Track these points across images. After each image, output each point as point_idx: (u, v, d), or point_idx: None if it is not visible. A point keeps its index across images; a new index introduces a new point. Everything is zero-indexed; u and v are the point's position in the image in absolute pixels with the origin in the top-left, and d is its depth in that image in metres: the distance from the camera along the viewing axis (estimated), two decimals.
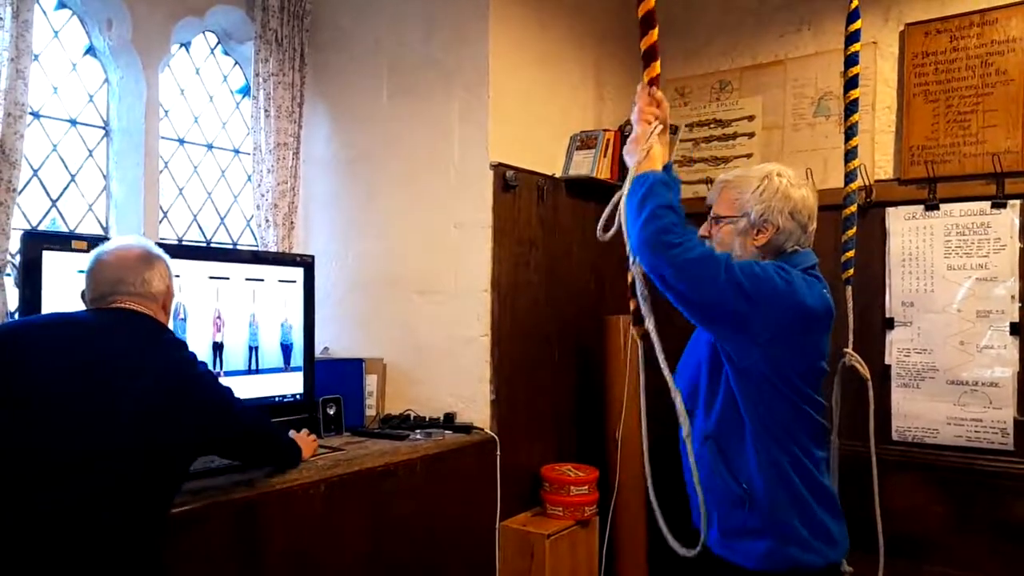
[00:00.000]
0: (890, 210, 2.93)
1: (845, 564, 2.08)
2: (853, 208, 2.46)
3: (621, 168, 3.23)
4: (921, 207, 2.88)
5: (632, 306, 1.86)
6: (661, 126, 1.72)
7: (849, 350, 2.49)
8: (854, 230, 2.47)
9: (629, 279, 1.77)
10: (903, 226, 2.91)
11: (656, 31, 1.82)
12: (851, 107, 2.37)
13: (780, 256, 1.65)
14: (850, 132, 2.39)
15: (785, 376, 1.57)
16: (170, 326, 2.15)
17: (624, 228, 1.65)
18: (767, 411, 1.58)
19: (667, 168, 1.82)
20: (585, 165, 3.06)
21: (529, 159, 2.90)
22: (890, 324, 2.92)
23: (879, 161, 2.97)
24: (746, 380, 1.58)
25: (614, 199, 1.73)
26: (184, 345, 1.68)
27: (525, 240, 2.90)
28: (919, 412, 2.86)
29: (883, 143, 2.97)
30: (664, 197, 1.59)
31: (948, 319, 2.82)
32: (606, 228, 1.75)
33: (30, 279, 1.89)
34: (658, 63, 1.78)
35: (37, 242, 1.92)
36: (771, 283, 1.53)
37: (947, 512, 2.80)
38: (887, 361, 2.92)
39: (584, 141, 3.12)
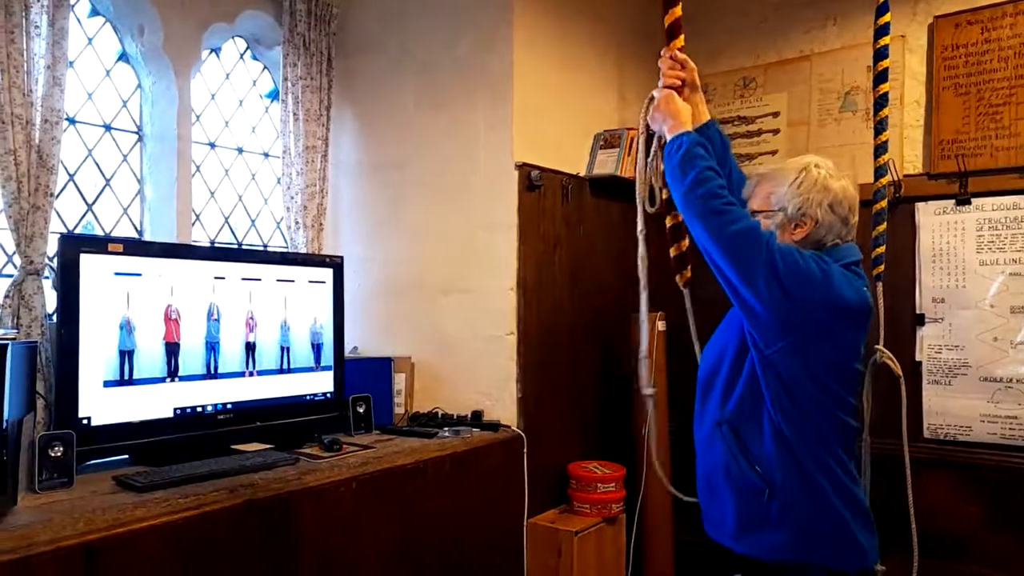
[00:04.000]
0: (920, 205, 2.89)
1: (878, 564, 2.06)
2: (883, 203, 2.44)
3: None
4: (952, 202, 2.83)
5: (673, 253, 1.87)
6: (687, 89, 1.73)
7: (880, 347, 2.46)
8: (884, 226, 2.45)
9: (668, 224, 1.78)
10: (933, 221, 2.87)
11: (679, 8, 1.83)
12: (881, 101, 2.35)
13: (821, 251, 1.61)
14: (880, 126, 2.37)
15: (813, 373, 1.54)
16: (203, 327, 2.21)
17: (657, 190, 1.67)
18: (793, 407, 1.55)
19: (709, 124, 1.82)
20: (609, 164, 3.06)
21: (553, 159, 2.91)
22: (921, 320, 2.88)
23: (908, 156, 2.94)
24: (772, 372, 1.55)
25: (638, 168, 1.75)
26: None
27: (550, 239, 2.91)
28: (951, 409, 2.82)
29: (912, 137, 2.93)
30: (703, 159, 1.59)
31: (981, 315, 2.78)
32: (651, 202, 1.77)
33: (67, 281, 1.94)
34: (681, 37, 1.78)
35: (74, 245, 1.97)
36: (808, 272, 1.50)
37: (980, 511, 2.75)
38: (918, 358, 2.88)
39: (608, 140, 3.12)
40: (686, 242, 1.92)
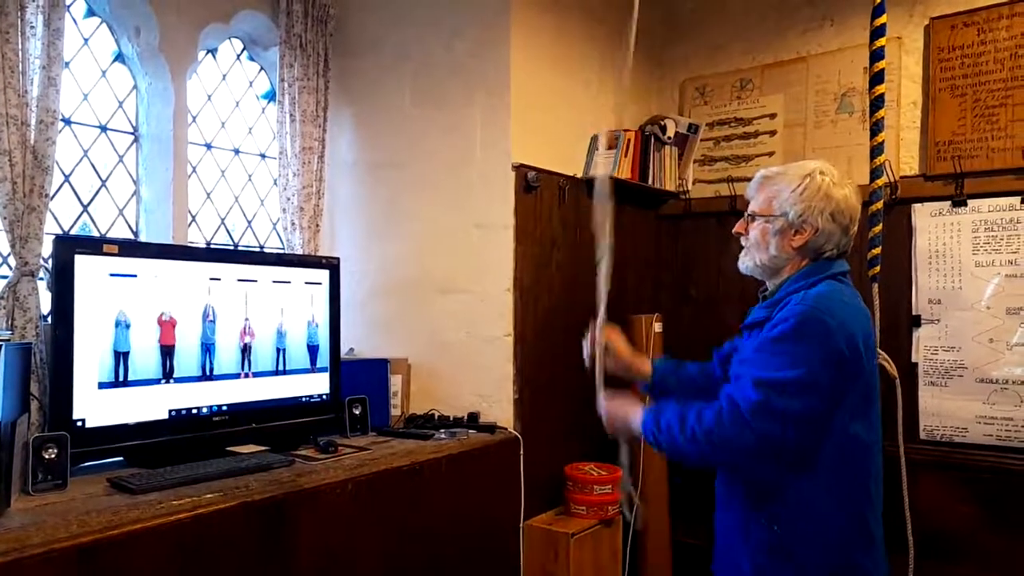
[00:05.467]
0: (916, 206, 2.90)
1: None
2: (879, 205, 2.44)
3: (641, 173, 3.22)
4: (948, 203, 2.84)
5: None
6: (611, 364, 1.85)
7: (877, 348, 2.46)
8: (880, 227, 2.45)
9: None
10: (930, 223, 2.88)
11: None
12: (877, 103, 2.35)
13: (817, 259, 1.59)
14: (876, 128, 2.37)
15: (852, 407, 1.49)
16: (199, 328, 2.20)
17: None
18: (817, 462, 1.48)
19: (653, 371, 1.88)
20: (606, 165, 3.06)
21: (550, 160, 2.91)
22: (917, 322, 2.89)
23: (904, 157, 2.94)
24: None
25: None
26: None
27: (547, 240, 2.91)
28: (948, 411, 2.83)
29: (908, 139, 2.94)
30: (671, 416, 1.55)
31: (977, 316, 2.78)
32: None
33: (62, 282, 1.93)
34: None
35: (69, 246, 1.97)
36: (817, 375, 1.43)
37: (976, 512, 2.76)
38: (914, 359, 2.89)
39: (605, 141, 3.12)
40: None
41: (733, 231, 1.70)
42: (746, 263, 1.67)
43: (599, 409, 1.76)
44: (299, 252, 2.88)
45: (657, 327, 3.03)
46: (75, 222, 2.48)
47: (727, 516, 1.64)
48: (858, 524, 1.51)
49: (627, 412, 1.68)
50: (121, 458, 2.09)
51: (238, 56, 3.03)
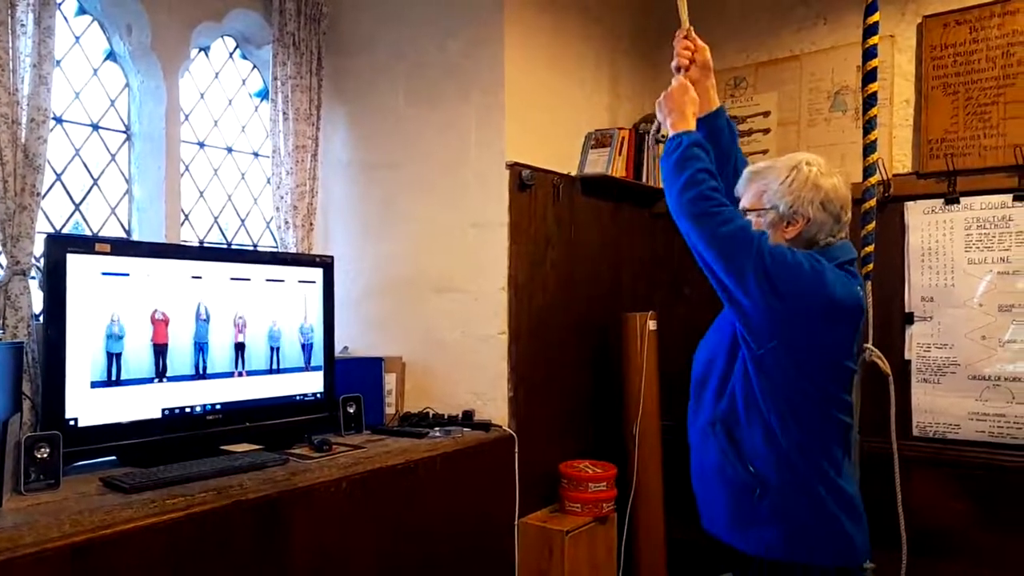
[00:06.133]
0: (909, 204, 2.91)
1: (868, 562, 2.06)
2: (872, 203, 2.45)
3: (635, 171, 3.23)
4: (941, 201, 2.85)
5: None
6: (698, 70, 1.76)
7: (869, 345, 2.47)
8: (873, 225, 2.46)
9: None
10: (922, 220, 2.89)
11: None
12: (870, 101, 2.36)
13: (813, 249, 1.61)
14: (869, 126, 2.38)
15: (805, 371, 1.54)
16: (192, 327, 2.20)
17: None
18: (785, 406, 1.55)
19: (719, 112, 1.84)
20: (600, 163, 3.07)
21: (545, 158, 2.90)
22: (910, 319, 2.90)
23: (897, 155, 2.95)
24: (764, 372, 1.55)
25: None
26: None
27: (541, 238, 2.91)
28: (940, 408, 2.84)
29: (901, 137, 2.95)
30: (699, 160, 1.60)
31: (969, 313, 2.79)
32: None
33: (54, 281, 1.92)
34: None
35: (61, 245, 1.96)
36: (798, 269, 1.51)
37: (969, 509, 2.77)
38: (907, 356, 2.90)
39: (599, 139, 3.12)
40: None
41: None
42: None
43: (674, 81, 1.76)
44: (293, 251, 2.87)
45: (652, 325, 3.03)
46: (67, 221, 2.47)
47: (704, 460, 1.69)
48: (827, 480, 1.57)
49: (684, 108, 1.72)
50: (114, 457, 2.09)
51: (231, 54, 3.03)
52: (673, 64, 1.79)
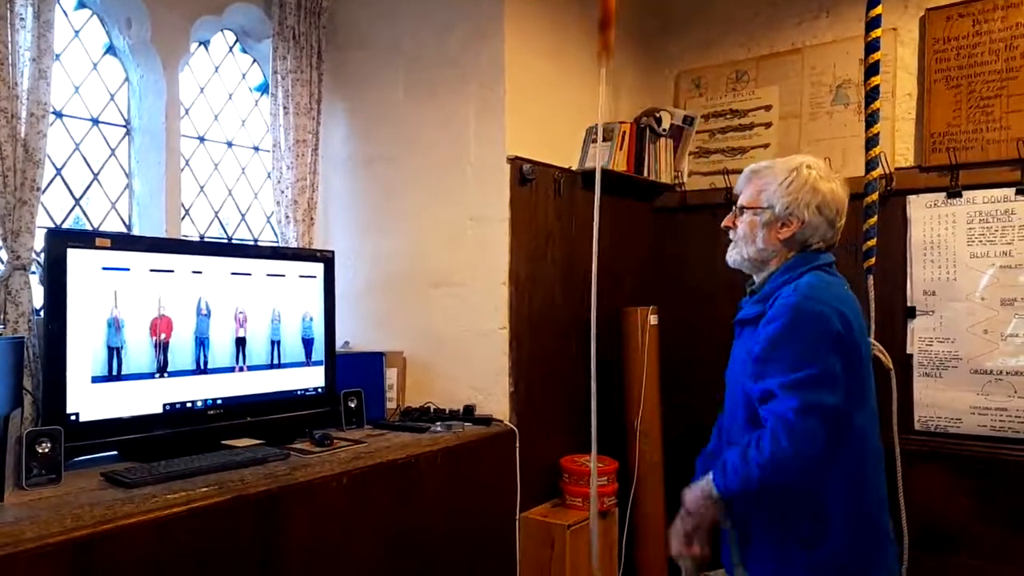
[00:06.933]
0: (911, 198, 2.90)
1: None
2: (874, 196, 2.44)
3: (636, 166, 3.22)
4: (943, 194, 2.84)
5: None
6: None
7: (872, 339, 2.46)
8: (875, 219, 2.46)
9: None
10: (924, 214, 2.88)
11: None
12: (872, 94, 2.35)
13: (804, 251, 1.61)
14: (871, 119, 2.37)
15: (862, 408, 1.52)
16: (193, 322, 2.20)
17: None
18: (849, 455, 1.51)
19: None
20: (601, 157, 3.05)
21: (545, 152, 2.90)
22: (912, 313, 2.89)
23: (899, 149, 2.94)
24: None
25: None
26: None
27: (542, 233, 2.90)
28: (942, 402, 2.84)
29: (903, 130, 2.94)
30: (734, 476, 1.51)
31: (971, 307, 2.79)
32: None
33: (55, 276, 1.92)
34: None
35: (61, 240, 1.95)
36: (819, 345, 1.46)
37: (971, 502, 2.77)
38: (909, 350, 2.89)
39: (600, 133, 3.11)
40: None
41: (722, 225, 1.72)
42: (734, 256, 1.70)
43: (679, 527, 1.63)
44: (293, 245, 2.87)
45: (653, 319, 3.03)
46: (67, 216, 2.47)
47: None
48: (865, 521, 1.53)
49: (697, 492, 1.59)
50: (115, 452, 2.09)
51: (231, 48, 3.02)
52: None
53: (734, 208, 1.69)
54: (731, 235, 1.70)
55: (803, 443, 1.43)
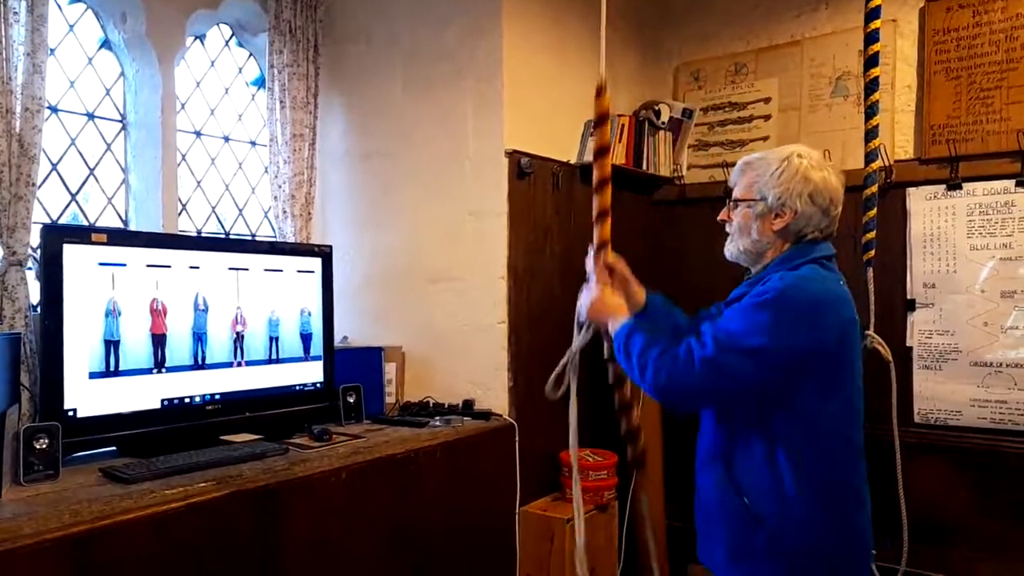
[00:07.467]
0: (911, 190, 2.89)
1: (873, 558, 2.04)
2: (874, 189, 2.43)
3: (635, 159, 3.20)
4: (943, 187, 2.83)
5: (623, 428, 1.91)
6: (618, 284, 1.76)
7: (871, 332, 2.46)
8: (874, 211, 2.45)
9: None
10: (924, 206, 2.87)
11: (608, 163, 1.82)
12: (871, 86, 2.34)
13: (798, 243, 1.60)
14: (871, 111, 2.36)
15: (836, 391, 1.52)
16: (191, 317, 2.19)
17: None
18: (798, 436, 1.50)
19: (648, 302, 1.83)
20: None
21: (544, 146, 2.88)
22: (911, 306, 2.89)
23: (899, 141, 2.93)
24: (776, 406, 1.51)
25: (564, 360, 1.83)
26: None
27: (540, 227, 2.89)
28: (942, 394, 2.83)
29: (903, 122, 2.93)
30: (639, 341, 1.58)
31: (971, 300, 2.78)
32: (556, 386, 1.80)
33: (51, 272, 1.91)
34: (608, 224, 1.79)
35: (57, 235, 1.95)
36: (782, 317, 1.45)
37: (970, 495, 2.77)
38: (908, 343, 2.89)
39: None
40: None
41: (718, 219, 1.72)
42: (730, 250, 1.69)
43: (585, 291, 1.77)
44: (291, 240, 2.86)
45: None
46: (63, 211, 2.46)
47: (704, 489, 1.68)
48: (832, 510, 1.52)
49: (613, 310, 1.71)
50: (114, 448, 2.08)
51: (226, 42, 3.00)
52: (589, 281, 1.78)
53: (728, 201, 1.69)
54: (727, 228, 1.70)
55: (690, 383, 1.50)
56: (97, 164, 2.54)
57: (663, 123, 3.31)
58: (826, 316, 1.50)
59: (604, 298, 1.74)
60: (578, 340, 1.81)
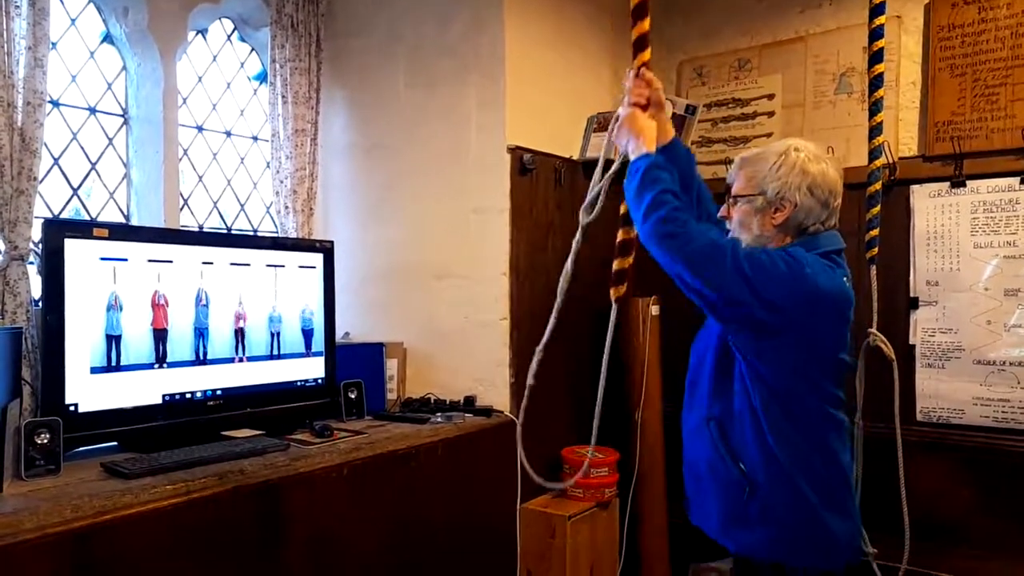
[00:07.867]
0: (915, 188, 2.88)
1: (868, 546, 2.07)
2: (877, 186, 2.42)
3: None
4: (947, 184, 2.82)
5: (615, 267, 1.88)
6: (652, 107, 1.71)
7: (874, 330, 2.45)
8: (878, 208, 2.43)
9: (618, 239, 1.78)
10: (928, 204, 2.86)
11: (648, 21, 1.79)
12: (875, 82, 2.32)
13: (801, 236, 1.60)
14: (875, 108, 2.35)
15: (797, 368, 1.53)
16: (192, 312, 2.19)
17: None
18: (778, 406, 1.54)
19: (674, 142, 1.80)
20: (602, 147, 3.03)
21: (546, 142, 2.88)
22: (915, 304, 2.88)
23: (903, 138, 2.92)
24: (756, 374, 1.54)
25: (594, 181, 1.74)
26: None
27: (543, 223, 2.89)
28: (944, 393, 2.82)
29: (907, 119, 2.91)
30: (661, 182, 1.58)
31: (974, 298, 2.77)
32: (589, 212, 1.78)
33: (52, 266, 1.91)
34: (648, 51, 1.75)
35: (59, 230, 1.94)
36: (775, 270, 1.48)
37: (973, 494, 2.76)
38: (911, 341, 2.88)
39: (601, 123, 3.08)
40: (630, 259, 1.93)
41: (718, 216, 1.71)
42: None
43: (621, 109, 1.73)
44: (293, 236, 2.85)
45: (654, 309, 3.02)
46: (65, 206, 2.45)
47: (696, 456, 1.70)
48: (821, 487, 1.55)
49: (641, 131, 1.68)
50: (115, 443, 2.08)
51: (229, 37, 2.99)
52: (624, 101, 1.75)
53: (728, 198, 1.69)
54: (728, 225, 1.70)
55: (689, 245, 1.51)
56: (99, 159, 2.54)
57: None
58: (821, 296, 1.51)
59: (638, 120, 1.71)
60: (606, 173, 1.76)
